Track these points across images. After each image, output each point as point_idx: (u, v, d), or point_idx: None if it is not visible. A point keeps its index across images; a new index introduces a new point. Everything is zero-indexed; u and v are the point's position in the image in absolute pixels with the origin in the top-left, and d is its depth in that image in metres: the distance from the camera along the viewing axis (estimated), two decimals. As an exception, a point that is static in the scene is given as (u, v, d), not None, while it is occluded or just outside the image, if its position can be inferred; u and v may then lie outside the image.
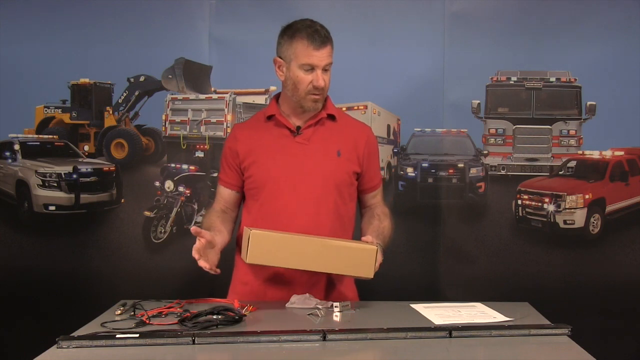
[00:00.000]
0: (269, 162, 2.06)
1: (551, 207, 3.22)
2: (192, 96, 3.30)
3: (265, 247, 1.81)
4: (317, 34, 1.97)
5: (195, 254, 1.81)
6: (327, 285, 2.09)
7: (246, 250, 1.80)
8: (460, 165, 3.25)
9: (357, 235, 2.18)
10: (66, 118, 3.36)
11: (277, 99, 2.13)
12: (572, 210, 3.22)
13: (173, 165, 3.32)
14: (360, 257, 1.84)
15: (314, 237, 1.89)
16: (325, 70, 2.00)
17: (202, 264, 1.82)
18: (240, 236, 2.15)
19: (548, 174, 3.26)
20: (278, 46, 2.05)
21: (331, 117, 2.12)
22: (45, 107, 3.33)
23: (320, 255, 1.83)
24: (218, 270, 1.87)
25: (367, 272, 1.84)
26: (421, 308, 1.92)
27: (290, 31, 2.01)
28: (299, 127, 2.08)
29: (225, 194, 2.17)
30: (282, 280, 2.05)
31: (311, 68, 1.98)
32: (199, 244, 1.82)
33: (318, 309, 1.85)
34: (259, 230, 1.83)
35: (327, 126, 2.10)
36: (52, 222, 3.28)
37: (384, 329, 1.66)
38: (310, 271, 2.02)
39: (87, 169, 3.32)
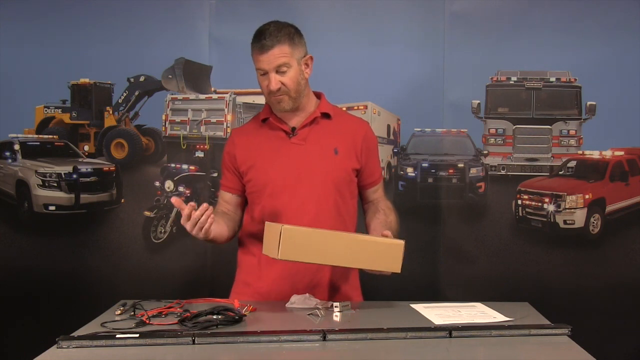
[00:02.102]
0: (266, 165, 2.07)
1: (551, 207, 3.22)
2: (192, 96, 3.30)
3: (297, 242, 1.78)
4: (263, 37, 1.95)
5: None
6: (329, 285, 2.09)
7: (277, 246, 1.76)
8: (460, 165, 3.25)
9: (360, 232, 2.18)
10: (66, 118, 3.36)
11: None
12: (572, 210, 3.22)
13: (173, 165, 3.32)
14: (387, 252, 1.84)
15: (343, 232, 1.89)
16: (281, 71, 1.97)
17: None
18: (245, 236, 2.16)
19: (548, 174, 3.26)
20: None
21: (326, 115, 2.11)
22: (45, 107, 3.33)
23: (349, 250, 1.82)
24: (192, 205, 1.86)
25: (395, 266, 1.84)
26: (421, 308, 1.92)
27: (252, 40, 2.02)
28: (294, 129, 2.08)
29: (227, 197, 2.17)
30: (285, 281, 2.05)
31: (264, 72, 1.98)
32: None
33: (318, 309, 1.85)
34: (291, 226, 1.80)
35: (322, 125, 2.10)
36: (52, 222, 3.28)
37: (384, 329, 1.66)
38: (312, 272, 2.02)
39: (87, 169, 3.32)
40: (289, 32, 1.98)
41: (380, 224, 2.06)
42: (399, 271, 1.84)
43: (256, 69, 2.00)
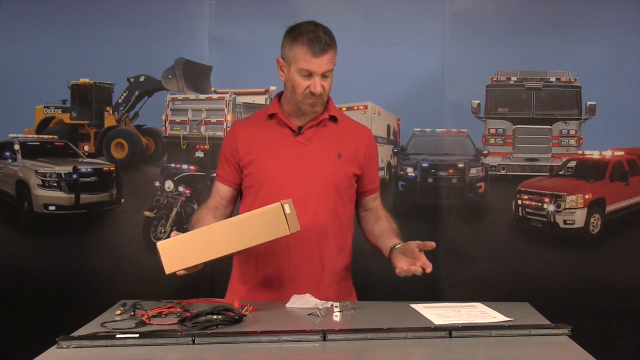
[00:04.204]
0: (268, 161, 2.06)
1: (551, 207, 3.22)
2: (192, 96, 3.30)
3: (176, 252, 1.79)
4: (318, 41, 1.94)
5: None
6: (326, 286, 2.09)
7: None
8: (460, 165, 3.25)
9: (357, 237, 2.18)
10: (66, 118, 3.36)
11: (279, 97, 2.13)
12: (572, 210, 3.22)
13: (173, 165, 3.32)
14: (268, 219, 1.79)
15: (217, 223, 1.87)
16: (325, 76, 1.98)
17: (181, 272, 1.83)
18: None
19: (548, 174, 3.26)
20: (281, 47, 2.04)
21: (333, 118, 2.11)
22: (45, 107, 3.33)
23: (231, 235, 1.80)
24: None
25: (282, 230, 1.78)
26: (421, 308, 1.91)
27: (293, 34, 1.99)
28: (300, 127, 2.08)
29: (222, 190, 2.16)
30: (280, 281, 2.05)
31: (309, 74, 1.96)
32: None
33: (318, 309, 1.85)
34: (164, 240, 1.82)
35: (328, 127, 2.10)
36: (52, 222, 3.28)
37: (384, 329, 1.66)
38: (309, 272, 2.02)
39: (87, 169, 3.32)
40: (334, 38, 1.99)
41: (387, 229, 2.07)
42: (288, 232, 1.79)
43: (300, 68, 1.96)
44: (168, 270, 1.80)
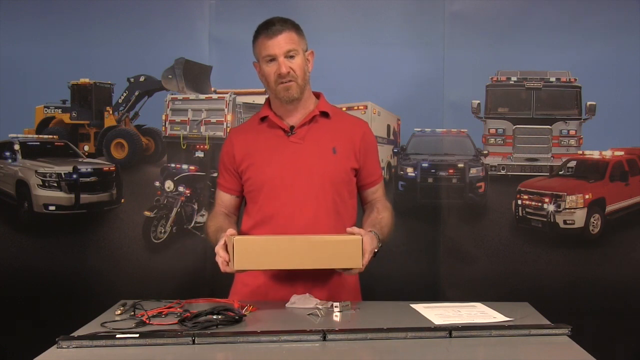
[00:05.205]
0: (264, 164, 2.06)
1: (551, 207, 3.22)
2: (192, 96, 3.30)
3: (250, 252, 1.80)
4: (270, 25, 1.99)
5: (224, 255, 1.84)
6: (329, 285, 2.09)
7: (232, 258, 1.81)
8: (460, 165, 3.25)
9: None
10: (66, 118, 3.37)
11: (270, 101, 2.14)
12: (572, 210, 3.22)
13: (173, 165, 3.32)
14: (346, 249, 1.83)
15: (298, 236, 1.89)
16: (290, 56, 1.99)
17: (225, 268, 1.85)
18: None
19: (548, 174, 3.26)
20: None
21: (325, 114, 2.11)
22: (45, 107, 3.33)
23: (306, 252, 1.82)
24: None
25: (356, 262, 1.83)
26: (421, 308, 1.91)
27: (254, 34, 2.05)
28: (292, 127, 2.08)
29: (225, 199, 2.17)
30: (284, 281, 2.05)
31: (272, 59, 1.99)
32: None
33: (318, 309, 1.85)
34: (242, 237, 1.84)
35: (321, 124, 2.10)
36: (52, 222, 3.28)
37: (384, 329, 1.65)
38: (311, 271, 2.02)
39: (87, 169, 3.32)
40: (294, 23, 2.03)
41: (369, 222, 2.06)
42: (361, 266, 1.83)
43: (263, 57, 2.00)
44: (237, 267, 1.80)
